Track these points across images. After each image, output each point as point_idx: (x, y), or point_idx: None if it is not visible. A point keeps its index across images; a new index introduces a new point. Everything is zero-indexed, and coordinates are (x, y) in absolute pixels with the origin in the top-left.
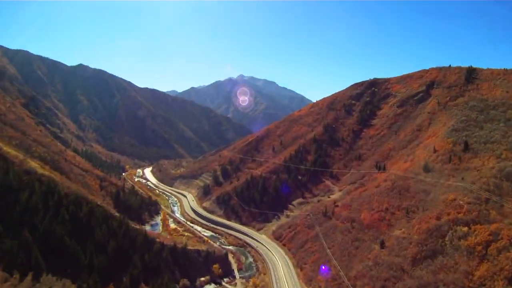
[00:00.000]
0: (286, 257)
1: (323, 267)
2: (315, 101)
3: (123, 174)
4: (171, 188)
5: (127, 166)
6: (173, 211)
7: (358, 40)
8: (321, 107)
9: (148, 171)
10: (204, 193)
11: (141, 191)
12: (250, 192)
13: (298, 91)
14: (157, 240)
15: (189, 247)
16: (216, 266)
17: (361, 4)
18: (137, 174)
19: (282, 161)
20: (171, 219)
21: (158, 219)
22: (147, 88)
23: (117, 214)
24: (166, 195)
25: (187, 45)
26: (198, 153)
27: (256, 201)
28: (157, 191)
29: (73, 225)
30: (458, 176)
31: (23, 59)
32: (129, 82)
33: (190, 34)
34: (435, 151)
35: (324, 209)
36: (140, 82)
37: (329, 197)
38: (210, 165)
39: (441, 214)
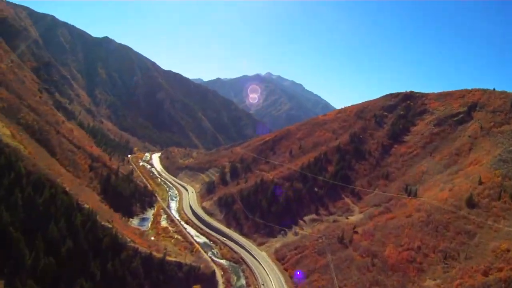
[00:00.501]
0: (286, 287)
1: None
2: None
3: (129, 156)
4: (174, 178)
5: (135, 149)
6: (169, 206)
7: (391, 50)
8: (349, 114)
9: (156, 157)
10: (207, 190)
11: (141, 177)
12: (257, 198)
13: (323, 97)
14: (130, 244)
15: (170, 258)
16: (197, 286)
17: (398, 16)
18: (143, 158)
19: (298, 168)
20: (165, 215)
21: (150, 213)
22: (170, 71)
23: (86, 205)
24: (168, 185)
25: (219, 35)
26: (213, 145)
27: (262, 209)
28: (159, 180)
29: (27, 213)
30: (510, 218)
31: (47, 23)
32: (153, 63)
33: (224, 25)
34: (480, 182)
35: (340, 234)
36: (167, 66)
37: (347, 218)
38: (220, 160)
39: (490, 268)
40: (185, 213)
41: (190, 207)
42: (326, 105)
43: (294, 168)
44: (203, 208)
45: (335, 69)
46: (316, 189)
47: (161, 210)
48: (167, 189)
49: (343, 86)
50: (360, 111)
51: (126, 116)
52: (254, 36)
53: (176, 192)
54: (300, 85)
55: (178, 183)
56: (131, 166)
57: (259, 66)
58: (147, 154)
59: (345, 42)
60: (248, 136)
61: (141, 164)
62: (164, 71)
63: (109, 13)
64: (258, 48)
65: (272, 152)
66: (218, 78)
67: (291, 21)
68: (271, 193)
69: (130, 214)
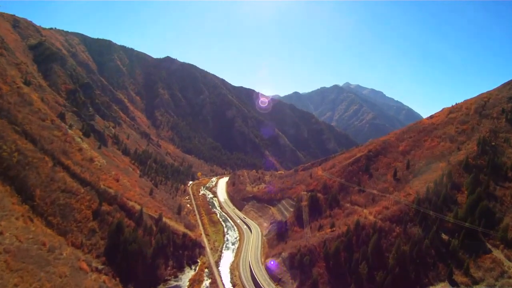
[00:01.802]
0: None
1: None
2: (430, 114)
3: (190, 183)
4: (238, 212)
5: (198, 173)
6: (219, 262)
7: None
8: (467, 113)
9: (222, 183)
10: (277, 235)
11: (194, 212)
12: (351, 256)
13: (405, 103)
14: None
15: None
16: None
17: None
18: (208, 185)
19: (412, 201)
20: (208, 280)
21: (188, 276)
22: (242, 87)
23: None
24: (227, 224)
25: (294, 50)
26: (293, 163)
27: (360, 276)
28: (217, 216)
29: None
30: None
31: (102, 48)
32: (222, 80)
33: (297, 38)
34: None
35: None
36: (240, 84)
37: None
38: (296, 189)
39: None
40: (240, 275)
41: (249, 265)
42: (409, 111)
43: (405, 202)
44: (268, 269)
45: (414, 73)
46: (443, 237)
47: (205, 270)
48: (225, 230)
49: (425, 90)
50: (481, 107)
51: (191, 138)
52: (329, 47)
53: (237, 234)
54: (380, 92)
55: (242, 220)
56: (187, 197)
57: (335, 77)
58: (213, 179)
59: (422, 41)
60: (331, 151)
61: (201, 193)
62: (234, 88)
63: (174, 34)
64: (333, 59)
65: (367, 174)
66: (295, 92)
67: (365, 28)
68: (374, 247)
69: (153, 282)
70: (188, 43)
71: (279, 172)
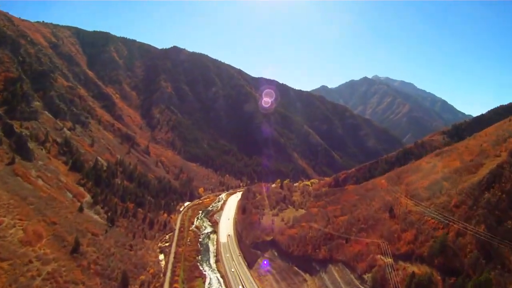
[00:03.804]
0: None
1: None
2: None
3: (185, 205)
4: (246, 275)
5: (200, 189)
6: None
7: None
8: None
9: (233, 203)
10: None
11: (164, 279)
12: None
13: (437, 94)
14: None
15: None
16: None
17: None
18: (211, 206)
19: None
20: None
21: None
22: (262, 78)
23: None
24: None
25: (320, 43)
26: (328, 167)
27: None
28: (205, 285)
29: None
30: None
31: (97, 40)
32: (239, 70)
33: (322, 33)
34: None
35: None
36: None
37: None
38: (360, 243)
39: None
40: None
41: None
42: (444, 103)
43: None
44: None
45: (444, 64)
46: None
47: None
48: None
49: (456, 81)
50: None
51: (198, 140)
52: (355, 39)
53: None
54: (411, 84)
55: None
56: (167, 237)
57: (362, 71)
58: (222, 196)
59: (455, 36)
60: (371, 150)
61: (195, 225)
62: (253, 78)
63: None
64: (360, 52)
65: None
66: (323, 86)
67: (394, 21)
68: None
69: None
70: (201, 34)
71: (311, 181)
